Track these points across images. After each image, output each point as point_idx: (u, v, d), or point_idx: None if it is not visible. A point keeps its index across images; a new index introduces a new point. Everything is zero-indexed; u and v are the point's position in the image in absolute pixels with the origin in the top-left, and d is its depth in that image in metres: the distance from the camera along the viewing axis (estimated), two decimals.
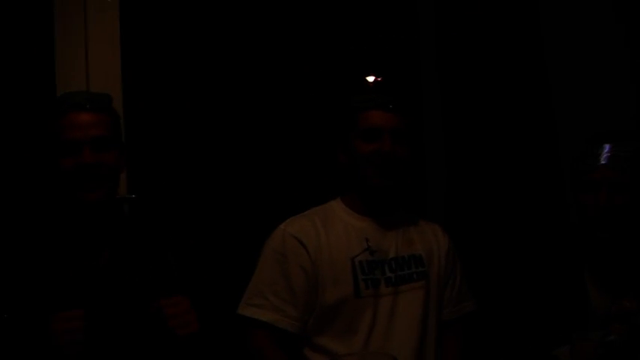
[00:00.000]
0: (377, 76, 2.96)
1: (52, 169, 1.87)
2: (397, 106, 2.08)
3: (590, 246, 2.06)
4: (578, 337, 1.72)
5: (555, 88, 2.73)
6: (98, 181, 1.84)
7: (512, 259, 2.27)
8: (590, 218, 1.99)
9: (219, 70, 2.75)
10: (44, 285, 1.79)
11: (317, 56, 2.89)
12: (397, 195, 2.17)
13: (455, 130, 2.81)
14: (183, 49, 2.71)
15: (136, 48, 2.63)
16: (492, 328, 2.19)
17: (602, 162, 1.97)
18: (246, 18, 2.80)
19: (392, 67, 2.97)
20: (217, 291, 2.37)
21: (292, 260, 2.03)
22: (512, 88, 2.72)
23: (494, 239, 2.66)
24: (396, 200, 2.19)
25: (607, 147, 1.98)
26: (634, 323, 1.55)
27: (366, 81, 2.93)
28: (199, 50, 2.73)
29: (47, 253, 1.84)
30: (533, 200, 2.67)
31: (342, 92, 2.17)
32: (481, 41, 2.75)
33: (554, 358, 1.84)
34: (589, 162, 1.99)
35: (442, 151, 2.85)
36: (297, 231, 2.06)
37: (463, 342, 2.17)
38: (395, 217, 2.17)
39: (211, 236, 2.66)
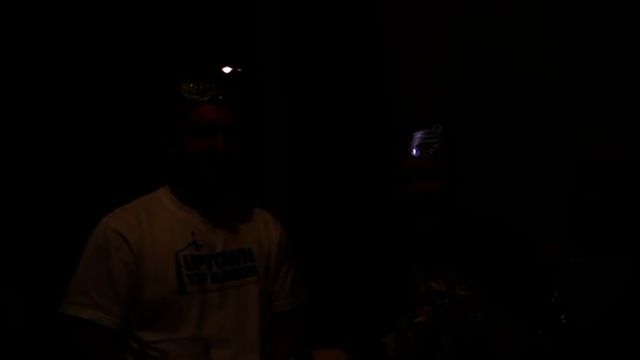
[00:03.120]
0: (216, 66, 2.87)
1: None
2: (229, 99, 1.99)
3: (415, 238, 2.07)
4: (399, 322, 1.73)
5: (394, 87, 2.78)
6: None
7: (345, 248, 2.27)
8: (408, 209, 2.00)
9: (38, 59, 2.61)
10: None
11: (142, 37, 2.80)
12: (229, 187, 2.10)
13: (294, 123, 2.81)
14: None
15: None
16: (325, 317, 2.18)
17: (411, 151, 1.99)
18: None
19: (232, 57, 2.91)
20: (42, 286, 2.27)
21: (114, 255, 1.96)
22: (352, 83, 2.75)
23: (329, 231, 2.67)
24: (227, 192, 2.13)
25: (415, 135, 2.00)
26: (439, 304, 1.56)
27: (196, 70, 2.83)
28: (17, 42, 2.59)
29: None
30: (367, 194, 2.70)
31: (170, 80, 2.06)
32: (322, 34, 2.76)
33: (382, 344, 1.84)
34: (398, 153, 2.01)
35: (281, 144, 2.84)
36: (119, 225, 1.98)
37: (297, 333, 2.16)
38: (224, 208, 2.11)
39: (36, 231, 2.55)
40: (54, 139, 2.65)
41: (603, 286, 2.38)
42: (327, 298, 2.19)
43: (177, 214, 2.04)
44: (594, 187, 2.61)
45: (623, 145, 2.57)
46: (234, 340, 2.00)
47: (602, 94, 2.61)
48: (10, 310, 1.75)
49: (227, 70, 3.02)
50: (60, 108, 2.66)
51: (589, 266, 2.56)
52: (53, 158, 2.65)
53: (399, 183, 2.02)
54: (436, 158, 1.98)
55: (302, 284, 2.20)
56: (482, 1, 2.75)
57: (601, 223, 2.62)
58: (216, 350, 1.89)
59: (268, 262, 2.12)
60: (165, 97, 2.09)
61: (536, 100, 2.71)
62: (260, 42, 2.95)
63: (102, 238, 1.97)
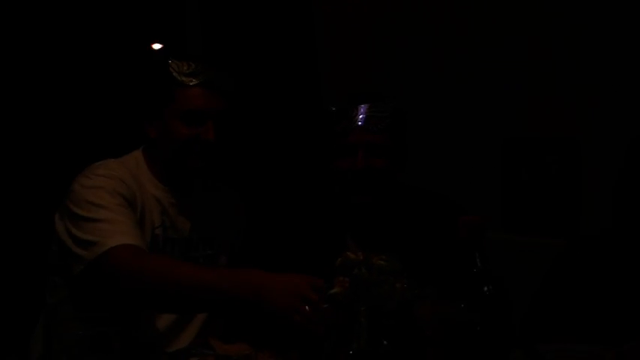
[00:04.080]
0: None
1: None
2: (221, 84, 1.88)
3: (351, 212, 2.01)
4: None
5: (322, 64, 2.73)
6: None
7: (276, 222, 2.21)
8: (349, 183, 1.93)
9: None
10: None
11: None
12: (211, 174, 2.02)
13: None
14: None
15: None
16: None
17: (358, 124, 1.90)
18: None
19: (156, 34, 2.84)
20: None
21: (125, 197, 1.80)
22: (279, 57, 2.73)
23: (258, 206, 2.61)
24: (208, 179, 2.04)
25: (362, 108, 1.92)
26: (356, 275, 1.49)
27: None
28: None
29: None
30: (299, 168, 2.66)
31: (157, 57, 1.93)
32: (247, 10, 2.70)
33: None
34: (344, 125, 1.92)
35: None
36: (121, 174, 1.84)
37: None
38: (194, 192, 2.00)
39: None
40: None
41: (535, 264, 2.37)
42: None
43: (150, 190, 1.93)
44: (526, 163, 2.61)
45: (555, 122, 2.57)
46: (174, 333, 1.92)
47: (533, 70, 2.61)
48: None
49: (157, 46, 2.94)
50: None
51: (521, 243, 2.56)
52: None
53: (342, 155, 1.94)
54: (385, 134, 1.91)
55: None
56: None
57: (533, 201, 2.61)
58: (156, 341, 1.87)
59: (231, 250, 2.06)
60: (150, 74, 1.97)
61: (467, 76, 2.70)
62: (184, 16, 2.89)
63: (108, 182, 1.80)
